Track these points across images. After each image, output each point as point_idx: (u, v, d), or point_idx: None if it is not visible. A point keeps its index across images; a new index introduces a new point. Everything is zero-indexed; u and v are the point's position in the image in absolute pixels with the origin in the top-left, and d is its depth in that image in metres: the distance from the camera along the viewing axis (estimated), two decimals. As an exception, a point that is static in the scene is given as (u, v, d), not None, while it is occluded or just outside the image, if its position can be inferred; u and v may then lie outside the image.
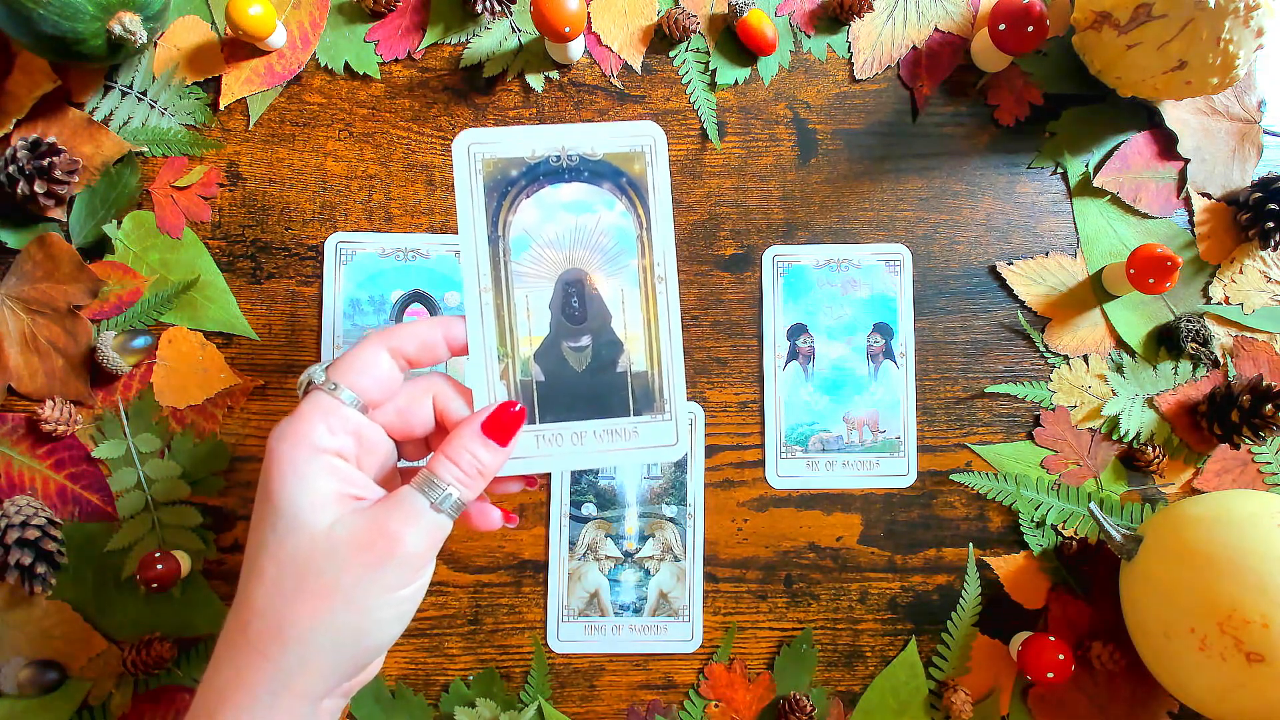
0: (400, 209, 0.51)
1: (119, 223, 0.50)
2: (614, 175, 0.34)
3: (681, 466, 0.51)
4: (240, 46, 0.51)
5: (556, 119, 0.52)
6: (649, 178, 0.35)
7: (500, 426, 0.33)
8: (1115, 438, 0.51)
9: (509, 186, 0.34)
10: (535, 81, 0.52)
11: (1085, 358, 0.52)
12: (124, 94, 0.51)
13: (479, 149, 0.34)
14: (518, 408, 0.34)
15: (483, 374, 0.34)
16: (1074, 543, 0.51)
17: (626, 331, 0.35)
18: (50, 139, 0.48)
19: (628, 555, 0.50)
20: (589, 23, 0.52)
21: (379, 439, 0.34)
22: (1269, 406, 0.48)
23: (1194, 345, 0.51)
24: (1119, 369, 0.52)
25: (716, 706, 0.50)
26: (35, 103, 0.50)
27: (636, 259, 0.35)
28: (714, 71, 0.52)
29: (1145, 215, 0.53)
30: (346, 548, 0.30)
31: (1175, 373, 0.52)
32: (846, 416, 0.51)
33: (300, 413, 0.32)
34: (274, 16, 0.49)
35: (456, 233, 0.51)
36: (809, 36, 0.53)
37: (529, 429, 0.34)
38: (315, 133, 0.52)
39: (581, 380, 0.35)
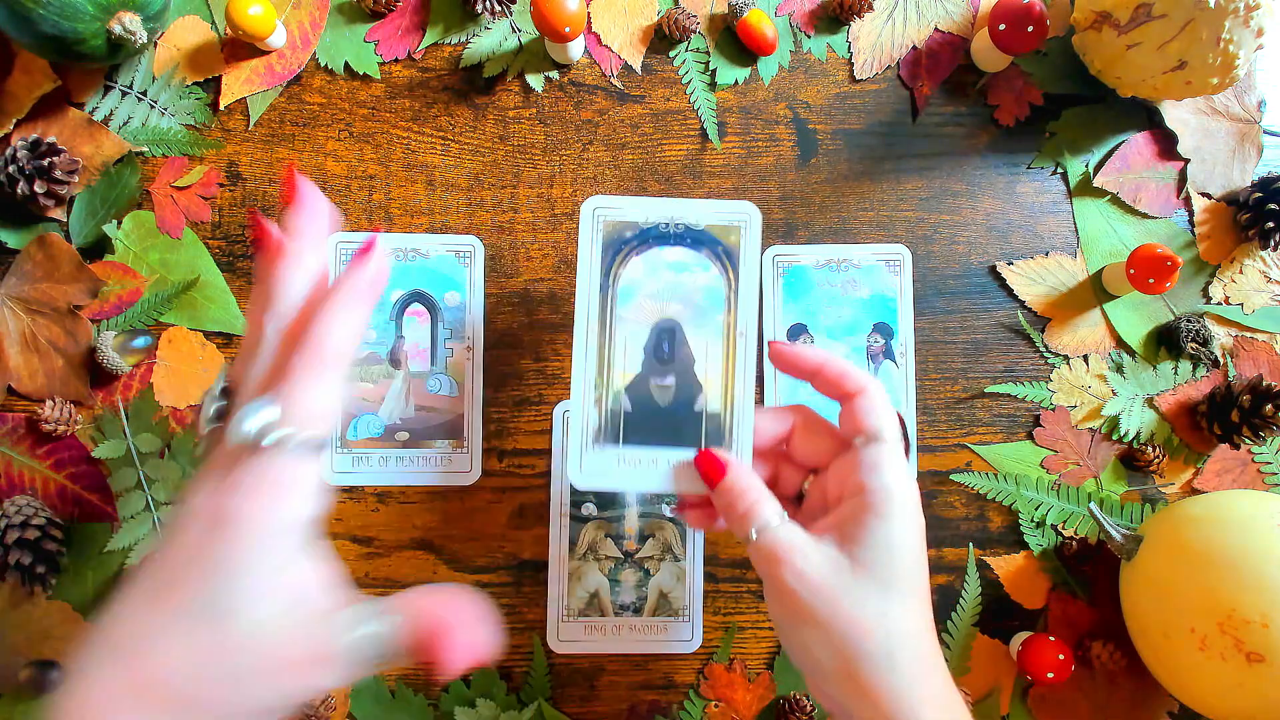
0: (400, 209, 0.51)
1: (119, 223, 0.50)
2: (712, 243, 0.40)
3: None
4: (240, 46, 0.51)
5: (556, 119, 0.52)
6: (742, 248, 0.40)
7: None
8: (1115, 438, 0.51)
9: (623, 245, 0.40)
10: (535, 81, 0.52)
11: (1085, 358, 0.52)
12: (124, 94, 0.51)
13: (602, 212, 0.40)
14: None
15: (580, 399, 0.39)
16: (1074, 543, 0.51)
17: (707, 376, 0.39)
18: (50, 139, 0.48)
19: (628, 555, 0.50)
20: (589, 23, 0.52)
21: None
22: (1269, 406, 0.48)
23: (1194, 345, 0.51)
24: (1119, 369, 0.52)
25: (716, 706, 0.50)
26: (35, 103, 0.50)
27: (723, 315, 0.39)
28: (714, 71, 0.52)
29: (1145, 215, 0.53)
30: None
31: (1175, 373, 0.52)
32: (846, 416, 0.51)
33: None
34: (274, 16, 0.49)
35: (457, 233, 0.51)
36: (809, 36, 0.53)
37: (612, 449, 0.38)
38: (315, 133, 0.52)
39: (663, 414, 0.39)
